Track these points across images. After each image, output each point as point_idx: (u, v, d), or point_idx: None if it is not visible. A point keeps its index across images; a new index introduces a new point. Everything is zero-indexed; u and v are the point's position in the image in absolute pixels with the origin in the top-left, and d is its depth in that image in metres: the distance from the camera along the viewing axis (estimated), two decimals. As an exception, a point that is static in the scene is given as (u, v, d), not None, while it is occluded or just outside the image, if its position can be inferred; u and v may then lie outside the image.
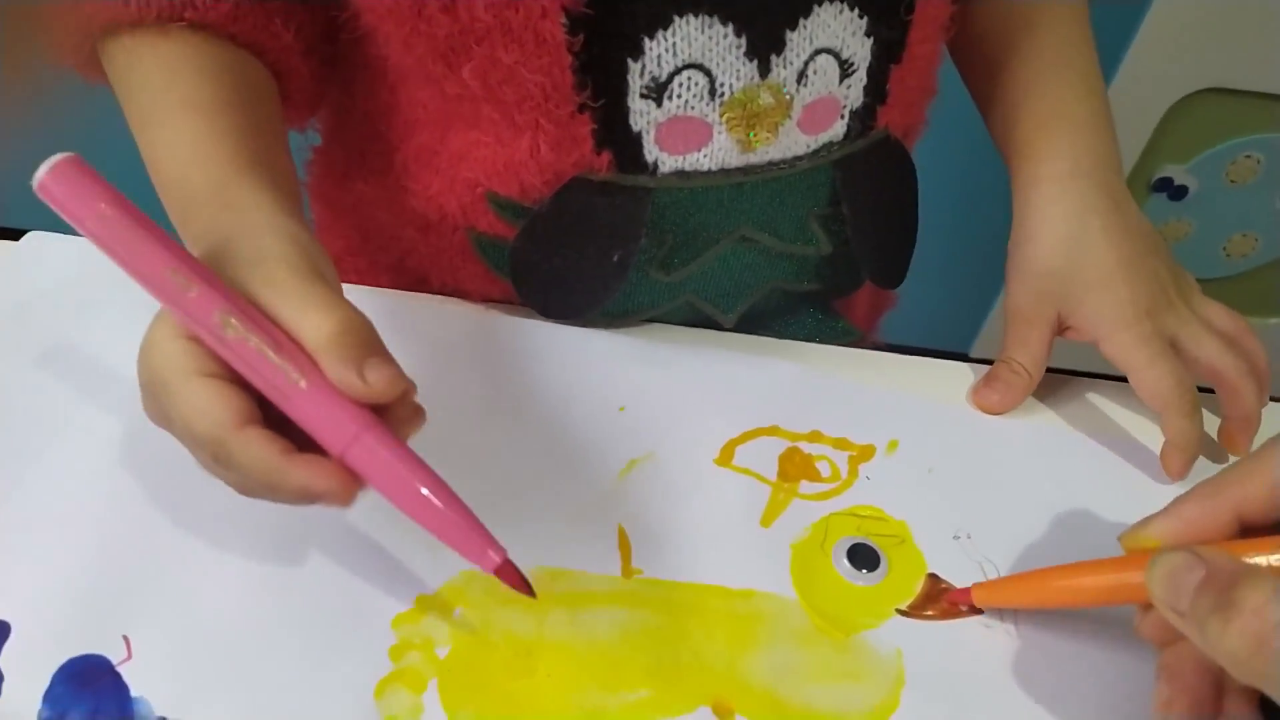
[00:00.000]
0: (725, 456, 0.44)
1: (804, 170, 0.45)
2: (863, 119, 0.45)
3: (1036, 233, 0.47)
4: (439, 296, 0.48)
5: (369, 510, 0.38)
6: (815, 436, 0.45)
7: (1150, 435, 0.47)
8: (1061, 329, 0.47)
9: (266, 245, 0.33)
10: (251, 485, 0.31)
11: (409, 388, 0.32)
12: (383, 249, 0.51)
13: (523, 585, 0.34)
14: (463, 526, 0.32)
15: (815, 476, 0.44)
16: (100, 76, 0.43)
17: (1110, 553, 0.37)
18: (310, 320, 0.31)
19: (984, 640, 0.39)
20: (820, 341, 0.51)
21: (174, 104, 0.39)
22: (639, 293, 0.48)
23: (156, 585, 0.36)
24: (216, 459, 0.30)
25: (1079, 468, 0.46)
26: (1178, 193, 1.07)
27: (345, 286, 0.39)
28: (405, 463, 0.32)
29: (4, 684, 0.33)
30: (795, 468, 0.44)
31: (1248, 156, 1.04)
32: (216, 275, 0.31)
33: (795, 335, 0.52)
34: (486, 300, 0.49)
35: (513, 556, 0.35)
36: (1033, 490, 0.44)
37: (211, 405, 0.30)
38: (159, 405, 0.32)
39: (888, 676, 0.38)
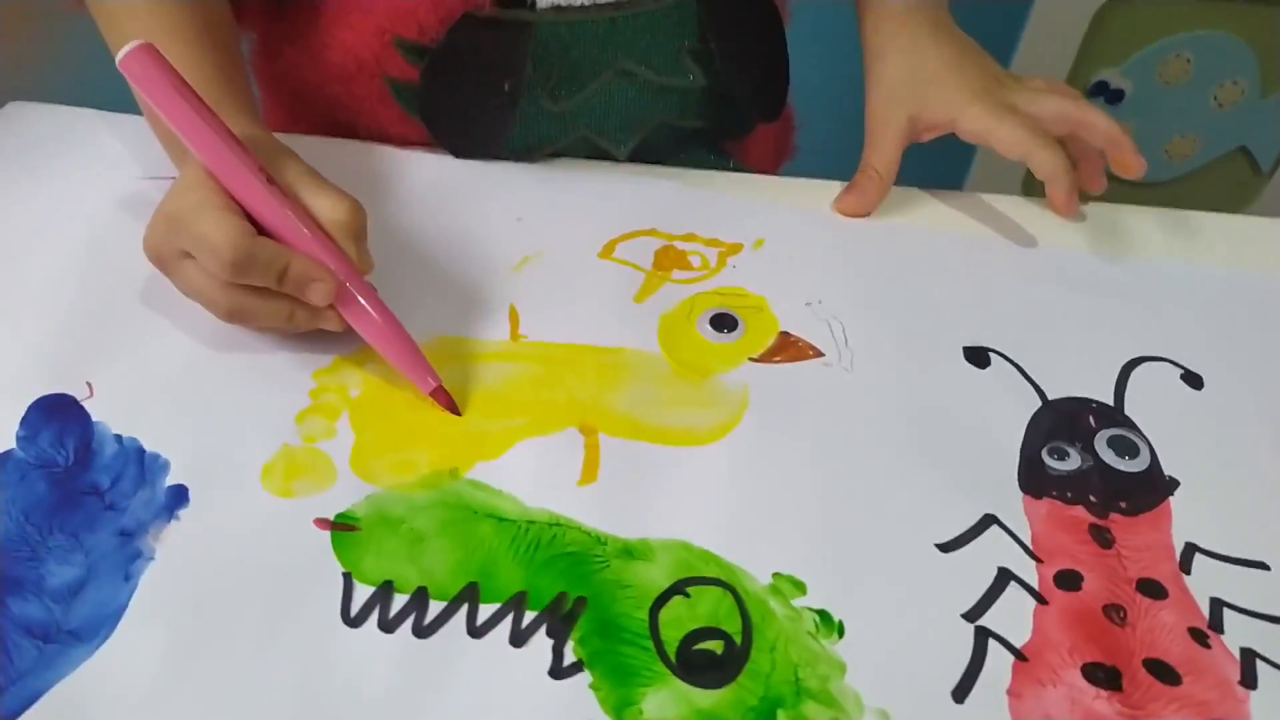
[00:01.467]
0: (606, 251, 0.50)
1: (670, 5, 0.52)
2: None
3: (884, 54, 0.54)
4: (365, 142, 0.55)
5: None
6: (689, 237, 0.52)
7: (974, 231, 0.53)
8: (918, 133, 0.54)
9: (278, 149, 0.43)
10: (247, 301, 0.40)
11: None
12: (315, 110, 0.58)
13: (451, 406, 0.42)
14: (411, 357, 0.42)
15: (687, 266, 0.50)
16: (82, 6, 0.50)
17: (933, 328, 0.47)
18: (327, 201, 0.42)
19: (823, 376, 0.45)
20: (709, 177, 0.57)
21: (160, 31, 0.46)
22: (537, 126, 0.54)
23: (115, 342, 0.43)
24: (234, 263, 0.39)
25: (920, 254, 0.52)
26: (1114, 96, 1.12)
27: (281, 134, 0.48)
28: (374, 306, 0.42)
29: (-11, 418, 0.40)
30: (669, 260, 0.51)
31: (1178, 56, 1.09)
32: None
33: None
34: (407, 144, 0.56)
35: (417, 329, 0.44)
36: (878, 270, 0.51)
37: (240, 222, 0.40)
38: (176, 232, 0.40)
39: (734, 403, 0.44)
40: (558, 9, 0.50)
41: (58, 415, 0.40)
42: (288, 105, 0.59)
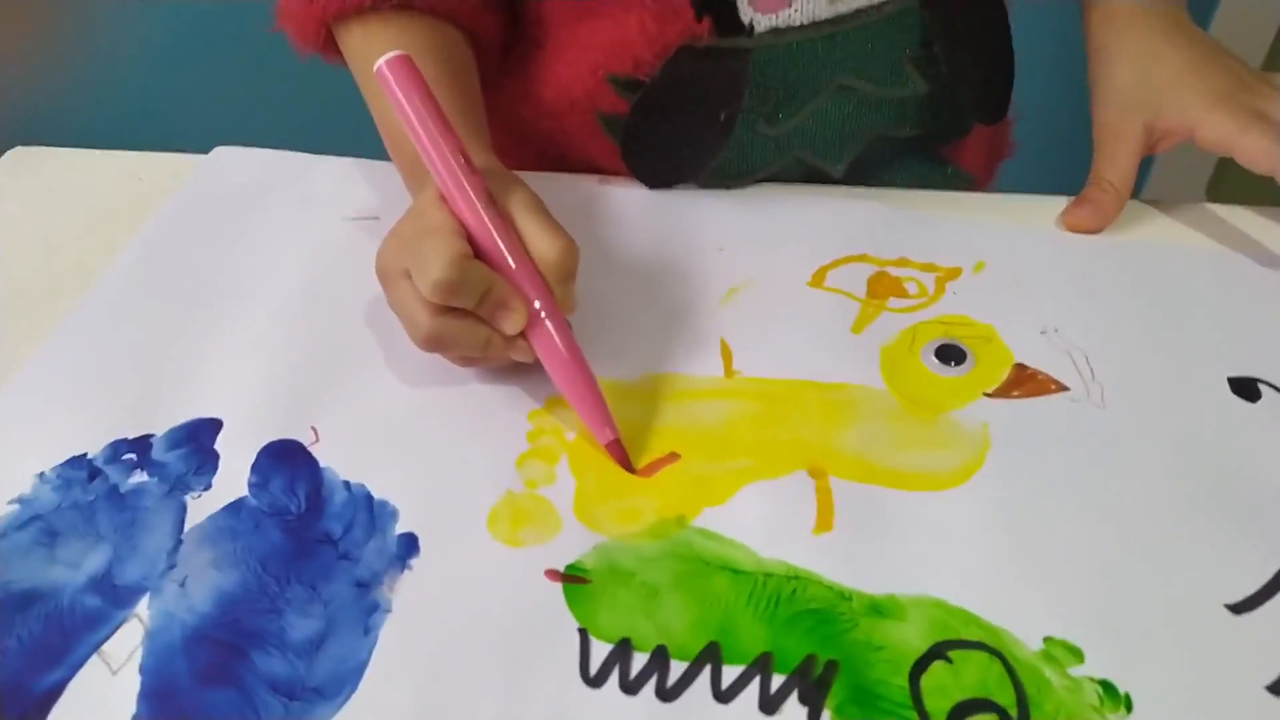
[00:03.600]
0: (817, 279, 0.48)
1: (891, 14, 0.49)
2: None
3: (1114, 56, 0.50)
4: (560, 174, 0.55)
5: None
6: (903, 262, 0.49)
7: (1213, 246, 0.48)
8: (1153, 143, 0.49)
9: (509, 180, 0.43)
10: (448, 325, 0.39)
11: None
12: (527, 142, 0.57)
13: (625, 463, 0.41)
14: (590, 404, 0.41)
15: (903, 294, 0.47)
16: (337, 58, 0.50)
17: (1190, 356, 0.43)
18: (545, 238, 0.41)
19: (1070, 412, 0.41)
20: (929, 188, 0.54)
21: (409, 49, 0.45)
22: (752, 151, 0.52)
23: (337, 386, 0.43)
24: (444, 284, 0.38)
25: (1165, 274, 0.47)
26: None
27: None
28: (565, 345, 0.41)
29: (221, 462, 0.41)
30: (883, 287, 0.48)
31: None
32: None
33: (904, 183, 0.55)
34: (616, 174, 0.55)
35: (624, 366, 0.44)
36: (1119, 292, 0.46)
37: (461, 245, 0.39)
38: (402, 251, 0.40)
39: (973, 444, 0.41)
40: (776, 31, 0.48)
41: (287, 461, 0.40)
42: (500, 138, 0.59)
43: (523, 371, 0.43)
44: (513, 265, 0.40)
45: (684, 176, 0.52)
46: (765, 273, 0.48)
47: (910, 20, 0.50)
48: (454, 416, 0.42)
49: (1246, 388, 0.42)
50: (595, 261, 0.49)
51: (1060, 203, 0.51)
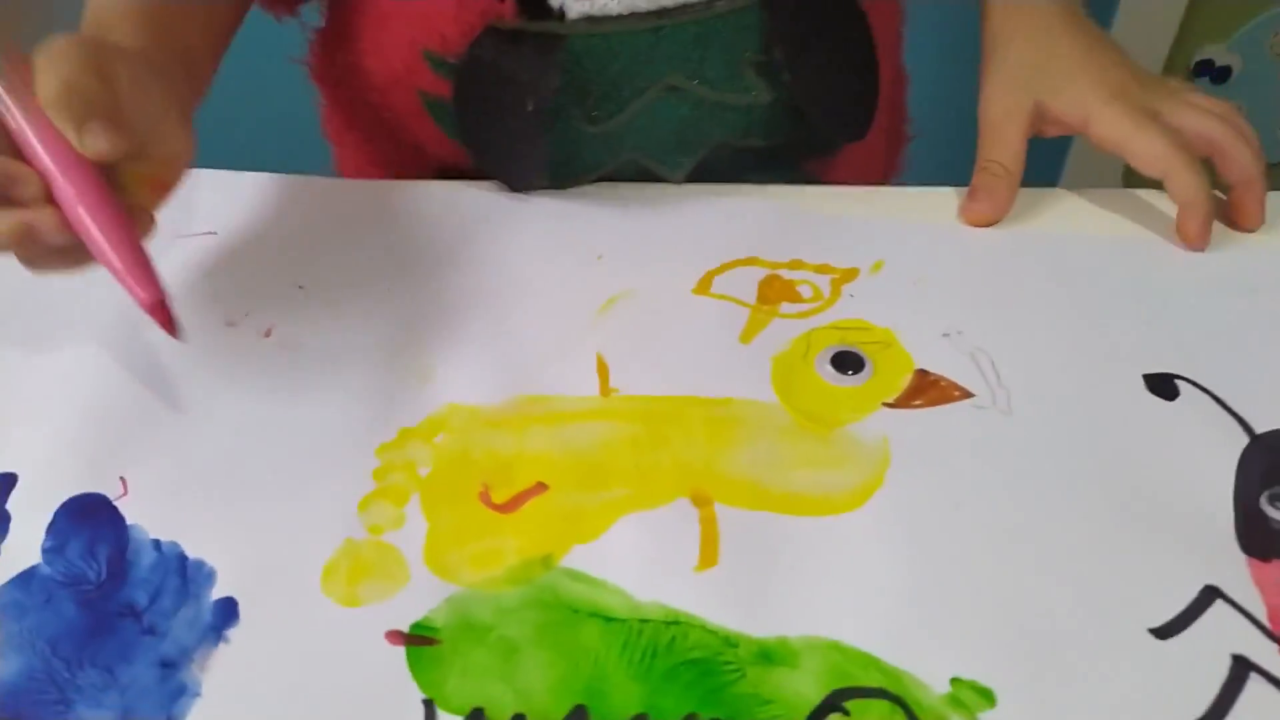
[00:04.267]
0: (703, 286, 0.44)
1: (725, 12, 0.45)
2: None
3: (1010, 39, 0.47)
4: (413, 181, 0.50)
5: (348, 357, 0.41)
6: (796, 264, 0.45)
7: (1129, 234, 0.46)
8: (1042, 127, 0.46)
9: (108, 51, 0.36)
10: None
11: (124, 147, 0.34)
12: (366, 118, 0.53)
13: (170, 327, 0.35)
14: (124, 261, 0.34)
15: (796, 298, 0.43)
16: None
17: (1103, 353, 0.40)
18: (41, 79, 0.34)
19: (975, 421, 0.38)
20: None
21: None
22: (580, 150, 0.48)
23: (150, 430, 0.38)
24: None
25: (1075, 266, 0.44)
26: (1220, 74, 1.02)
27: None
28: (91, 201, 0.34)
29: (11, 524, 0.35)
30: (775, 291, 0.44)
31: (1292, 26, 0.99)
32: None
33: None
34: (445, 165, 0.50)
35: (488, 389, 0.39)
36: (1026, 288, 0.43)
37: None
38: None
39: (872, 460, 0.37)
40: (591, 20, 0.43)
41: (89, 520, 0.35)
42: (345, 110, 0.54)
43: (370, 397, 0.39)
44: (14, 126, 0.34)
45: (521, 175, 0.48)
46: (647, 281, 0.44)
47: (748, 21, 0.45)
48: (286, 457, 0.37)
49: (1163, 385, 0.39)
50: (457, 274, 0.44)
51: (950, 194, 0.47)
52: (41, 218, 0.34)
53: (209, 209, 0.47)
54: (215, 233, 0.46)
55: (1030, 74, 0.46)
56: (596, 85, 0.45)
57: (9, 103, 0.35)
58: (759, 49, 0.46)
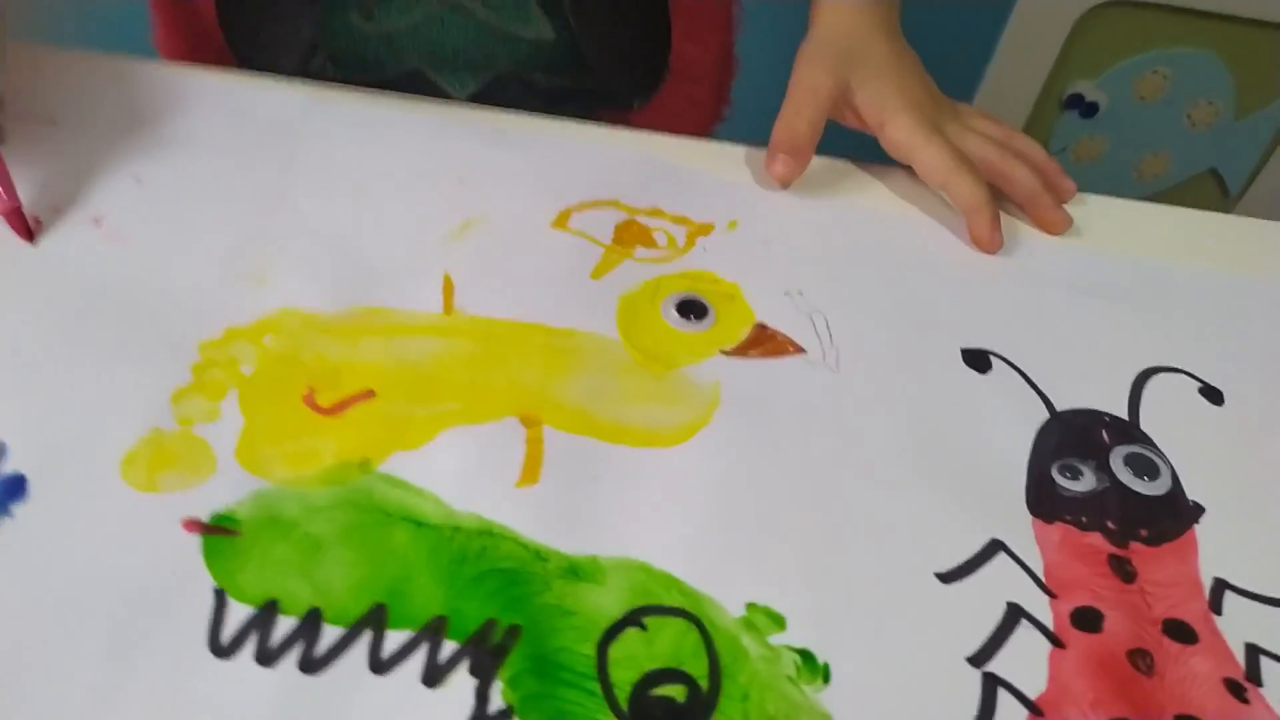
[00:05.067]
0: (561, 221, 0.44)
1: None
2: None
3: (829, 26, 0.49)
4: (281, 81, 0.48)
5: (180, 254, 0.39)
6: (655, 212, 0.45)
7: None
8: (843, 111, 0.48)
9: None
10: None
11: None
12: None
13: (25, 232, 0.38)
14: None
15: (651, 244, 0.44)
16: None
17: (927, 326, 0.42)
18: None
19: (804, 375, 0.39)
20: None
21: None
22: (359, 47, 0.48)
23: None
24: None
25: (909, 243, 0.46)
26: (1089, 109, 1.09)
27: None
28: None
29: None
30: (631, 235, 0.44)
31: (1155, 71, 1.06)
32: None
33: None
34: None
35: (330, 294, 0.38)
36: (864, 259, 0.45)
37: None
38: None
39: (703, 401, 0.38)
40: None
41: None
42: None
43: (198, 294, 0.37)
44: None
45: (272, 59, 0.47)
46: (506, 209, 0.44)
47: None
48: (101, 344, 0.35)
49: (978, 359, 0.41)
50: (309, 180, 0.43)
51: (826, 164, 0.49)
52: None
53: (49, 89, 0.45)
54: (54, 123, 0.43)
55: (844, 60, 0.48)
56: None
57: None
58: None
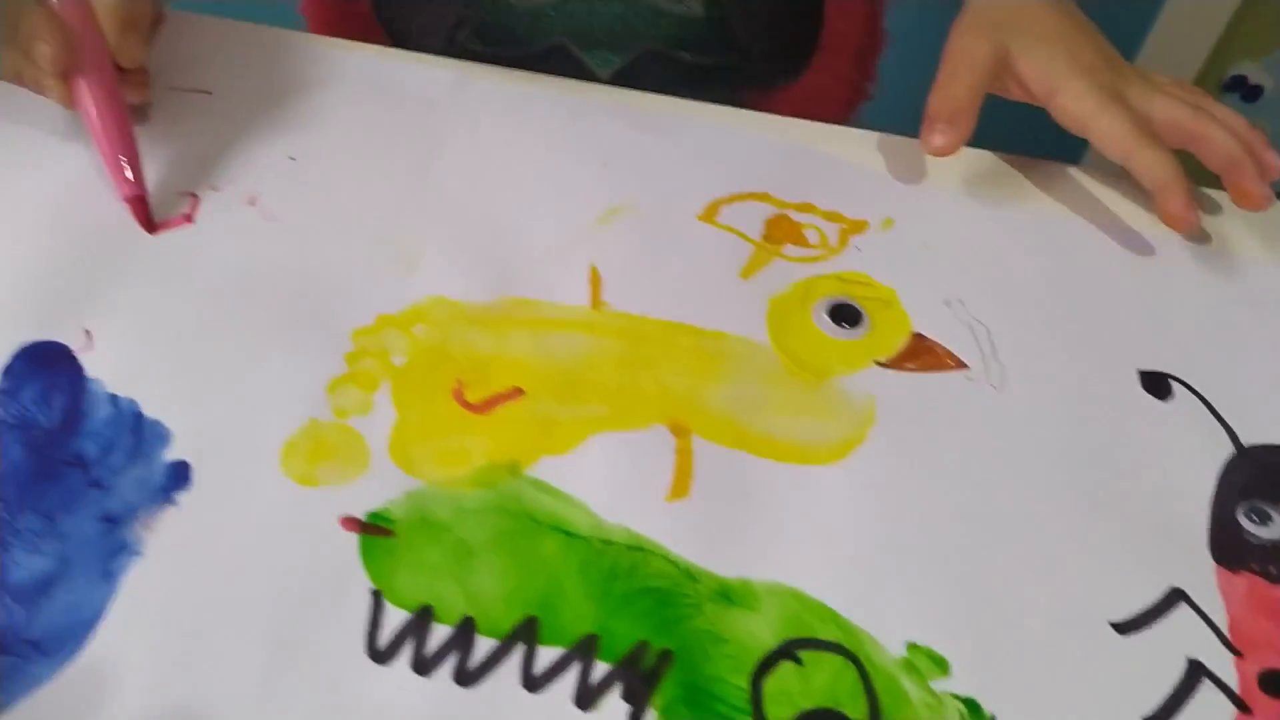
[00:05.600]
0: (709, 213, 0.42)
1: None
2: None
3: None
4: (430, 59, 0.47)
5: (332, 237, 0.39)
6: (807, 207, 0.43)
7: (1144, 222, 0.44)
8: (1006, 82, 0.44)
9: None
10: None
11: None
12: None
13: (146, 222, 0.38)
14: (115, 153, 0.38)
15: (802, 242, 0.42)
16: None
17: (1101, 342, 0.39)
18: None
19: (965, 392, 0.37)
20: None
21: None
22: (509, 22, 0.47)
23: (120, 285, 0.36)
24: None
25: (1085, 252, 0.43)
26: (1252, 93, 1.01)
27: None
28: (101, 99, 0.38)
29: (-37, 358, 0.33)
30: (782, 232, 0.42)
31: (1328, 51, 0.98)
32: None
33: None
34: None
35: (479, 282, 0.38)
36: (1032, 267, 0.42)
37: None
38: None
39: (857, 416, 0.36)
40: None
41: (47, 367, 0.33)
42: None
43: (351, 279, 0.37)
44: (55, 2, 0.38)
45: (426, 29, 0.47)
46: (652, 198, 0.42)
47: None
48: (258, 329, 0.35)
49: (1158, 383, 0.38)
50: (456, 162, 0.42)
51: (969, 155, 0.46)
52: (55, 92, 0.38)
53: (204, 60, 0.45)
54: (210, 92, 0.44)
55: (1005, 26, 0.44)
56: None
57: None
58: None
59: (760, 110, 0.50)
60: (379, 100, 0.45)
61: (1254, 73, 1.00)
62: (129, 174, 0.38)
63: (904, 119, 0.48)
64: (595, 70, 0.48)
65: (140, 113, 0.42)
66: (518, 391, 0.35)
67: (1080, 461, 0.35)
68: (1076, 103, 0.42)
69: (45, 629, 0.28)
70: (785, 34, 0.50)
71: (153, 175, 0.39)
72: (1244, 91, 1.01)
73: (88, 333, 0.35)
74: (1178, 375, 0.38)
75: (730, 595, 0.31)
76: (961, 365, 0.38)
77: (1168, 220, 0.42)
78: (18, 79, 0.38)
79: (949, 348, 0.39)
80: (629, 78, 0.48)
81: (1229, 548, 0.33)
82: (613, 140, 0.44)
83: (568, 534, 0.31)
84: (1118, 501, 0.34)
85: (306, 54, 0.46)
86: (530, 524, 0.32)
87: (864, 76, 0.61)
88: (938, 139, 0.43)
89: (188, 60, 0.44)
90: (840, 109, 0.60)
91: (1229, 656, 0.31)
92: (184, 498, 0.31)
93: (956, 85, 0.43)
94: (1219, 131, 0.42)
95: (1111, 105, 0.42)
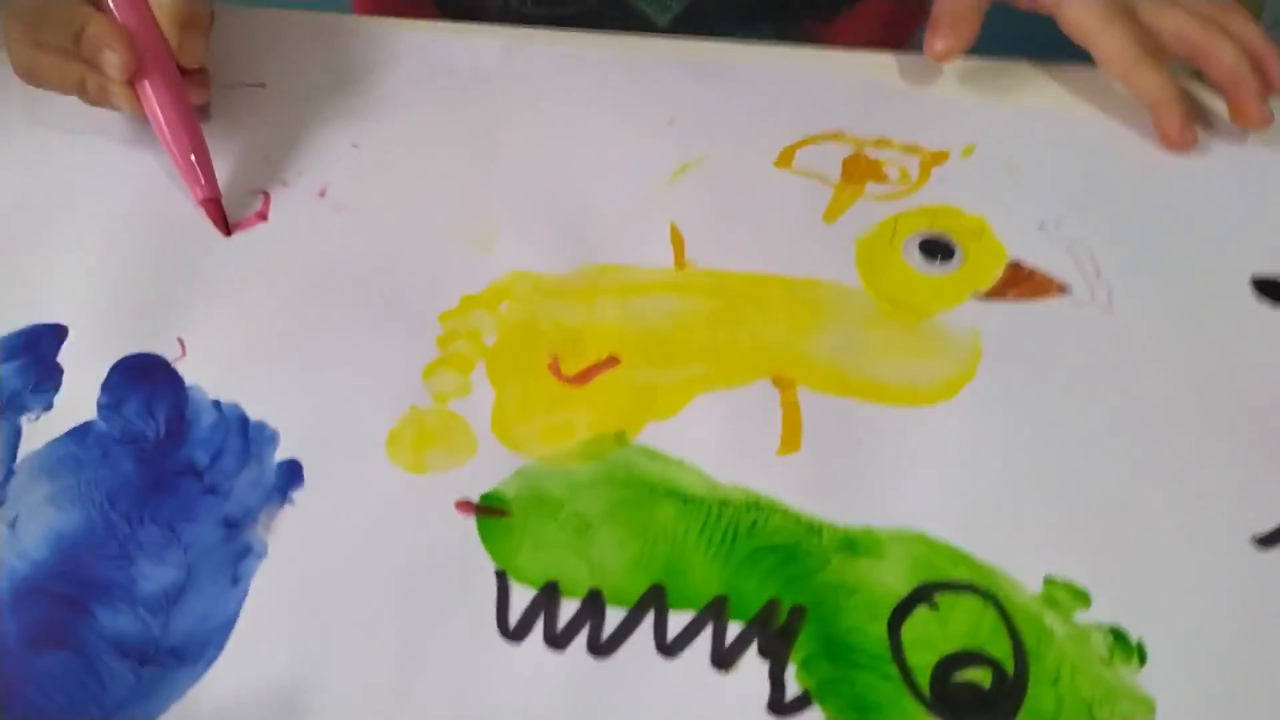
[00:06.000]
0: (785, 159, 0.41)
1: None
2: None
3: None
4: (478, 28, 0.46)
5: (406, 221, 0.39)
6: (883, 143, 0.42)
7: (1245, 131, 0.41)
8: None
9: None
10: (40, 58, 0.37)
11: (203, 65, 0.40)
12: None
13: (221, 223, 0.38)
14: (188, 158, 0.38)
15: (883, 179, 0.41)
16: None
17: (1210, 251, 0.36)
18: None
19: (1073, 317, 0.36)
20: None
21: None
22: None
23: (206, 292, 0.36)
24: (28, 13, 0.37)
25: (1184, 158, 0.40)
26: None
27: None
28: (168, 95, 0.38)
29: (64, 378, 0.34)
30: (861, 170, 0.41)
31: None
32: None
33: None
34: None
35: (557, 253, 0.37)
36: (1129, 179, 0.40)
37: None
38: (41, 28, 0.37)
39: (963, 352, 0.35)
40: None
41: (146, 379, 0.33)
42: None
43: (430, 262, 0.37)
44: (127, 7, 0.38)
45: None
46: (724, 149, 0.41)
47: None
48: (348, 321, 0.35)
49: (1273, 289, 0.37)
50: (518, 134, 0.41)
51: (1040, 75, 0.44)
52: (122, 100, 0.38)
53: (257, 53, 0.44)
54: (264, 85, 0.44)
55: None
56: None
57: None
58: None
59: (822, 43, 0.49)
60: (434, 78, 0.44)
61: None
62: (202, 177, 0.38)
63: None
64: (654, 18, 0.47)
65: (202, 112, 0.41)
66: (613, 360, 0.35)
67: (1201, 378, 0.34)
68: (1081, 15, 0.40)
69: (183, 637, 0.28)
70: None
71: (221, 175, 0.39)
72: None
73: (180, 341, 0.35)
74: (1294, 277, 0.37)
75: (855, 545, 0.30)
76: (1064, 289, 0.36)
77: (1163, 139, 0.41)
78: (80, 90, 0.38)
79: (1049, 272, 0.37)
80: (688, 22, 0.46)
81: (1370, 452, 0.32)
82: (677, 95, 0.43)
83: (683, 498, 0.31)
84: (1246, 414, 0.33)
85: (357, 36, 0.45)
86: (644, 492, 0.31)
87: None
88: (939, 44, 0.42)
89: (239, 54, 0.44)
90: (902, 34, 0.58)
91: (1383, 564, 0.30)
92: (299, 495, 0.31)
93: None
94: (1225, 46, 0.40)
95: (1117, 19, 0.40)
